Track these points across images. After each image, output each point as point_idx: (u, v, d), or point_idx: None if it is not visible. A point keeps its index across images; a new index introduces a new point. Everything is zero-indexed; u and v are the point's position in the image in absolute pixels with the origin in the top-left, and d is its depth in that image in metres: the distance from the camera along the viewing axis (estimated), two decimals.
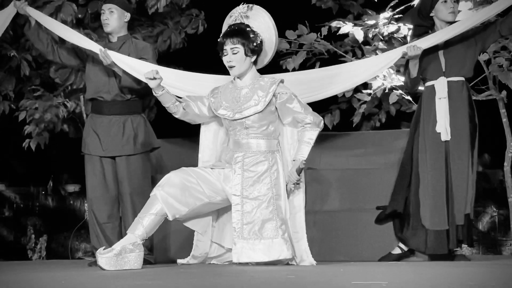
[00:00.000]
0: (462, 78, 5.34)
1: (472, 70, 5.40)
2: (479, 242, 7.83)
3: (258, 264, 4.75)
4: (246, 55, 4.92)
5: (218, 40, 5.00)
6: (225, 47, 4.93)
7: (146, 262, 5.35)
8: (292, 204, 4.97)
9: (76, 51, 5.63)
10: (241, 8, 5.07)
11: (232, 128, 4.97)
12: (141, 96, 5.63)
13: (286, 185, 4.92)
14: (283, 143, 5.03)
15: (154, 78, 4.86)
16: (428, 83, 5.40)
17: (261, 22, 5.02)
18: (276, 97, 4.92)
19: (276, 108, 4.95)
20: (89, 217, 5.55)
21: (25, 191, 9.78)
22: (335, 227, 5.75)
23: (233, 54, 4.91)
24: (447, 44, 5.35)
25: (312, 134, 4.92)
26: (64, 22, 6.99)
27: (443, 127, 5.26)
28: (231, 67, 4.93)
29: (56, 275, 4.15)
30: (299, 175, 4.89)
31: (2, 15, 5.63)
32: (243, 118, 4.92)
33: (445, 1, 5.32)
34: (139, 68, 5.35)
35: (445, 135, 5.27)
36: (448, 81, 5.31)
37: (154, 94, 4.98)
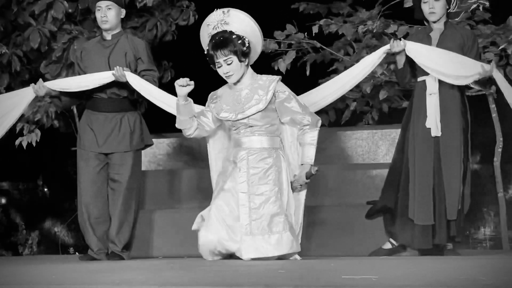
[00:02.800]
0: None
1: None
2: (470, 237, 7.86)
3: (268, 259, 4.77)
4: (240, 61, 4.91)
5: (206, 53, 4.97)
6: (217, 60, 4.91)
7: (119, 257, 5.37)
8: (296, 198, 4.99)
9: (81, 67, 5.60)
10: (218, 15, 5.00)
11: (235, 127, 4.97)
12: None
13: (292, 184, 4.94)
14: (284, 140, 5.05)
15: (187, 85, 4.88)
16: (420, 79, 5.41)
17: (241, 23, 4.99)
18: (275, 96, 4.94)
19: (276, 99, 4.95)
20: (79, 212, 5.48)
21: (16, 186, 9.77)
22: (325, 222, 5.76)
23: (228, 64, 4.90)
24: (439, 42, 5.37)
25: (313, 135, 4.94)
26: (55, 19, 7.00)
27: (433, 122, 5.27)
28: (228, 76, 4.94)
29: (47, 270, 4.16)
30: (308, 179, 4.91)
31: (17, 97, 5.59)
32: (246, 117, 4.92)
33: (425, 2, 5.37)
34: (151, 90, 5.40)
35: (435, 131, 5.27)
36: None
37: (178, 102, 4.94)
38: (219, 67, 4.93)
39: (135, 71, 5.45)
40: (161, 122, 6.17)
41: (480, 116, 6.77)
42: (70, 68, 6.89)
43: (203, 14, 5.12)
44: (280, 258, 4.83)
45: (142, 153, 5.91)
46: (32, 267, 4.50)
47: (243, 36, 4.94)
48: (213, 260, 4.85)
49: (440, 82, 5.31)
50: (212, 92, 5.11)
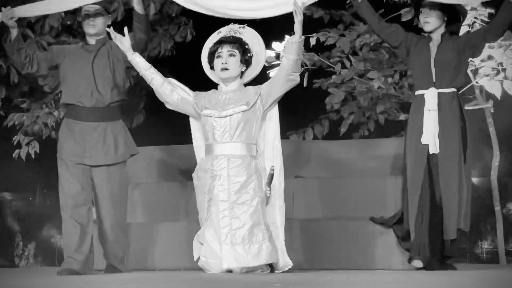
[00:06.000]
0: (453, 90, 5.22)
1: (463, 81, 5.33)
2: (466, 251, 7.85)
3: (248, 268, 4.79)
4: (240, 61, 5.03)
5: (209, 48, 5.10)
6: (220, 50, 5.02)
7: (116, 270, 5.26)
8: (270, 204, 5.00)
9: (49, 59, 5.38)
10: (233, 26, 5.16)
11: (214, 131, 4.98)
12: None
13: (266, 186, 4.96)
14: (263, 151, 5.08)
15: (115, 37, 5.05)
16: (418, 92, 5.28)
17: (252, 39, 5.13)
18: (261, 95, 5.00)
19: (263, 100, 5.00)
20: (67, 225, 5.20)
21: (13, 197, 9.75)
22: (322, 235, 5.75)
23: (229, 56, 5.01)
24: (437, 53, 5.24)
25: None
26: (51, 28, 7.01)
27: (431, 139, 5.14)
28: (224, 69, 5.00)
29: (43, 282, 4.15)
30: (269, 185, 4.95)
31: None
32: (230, 115, 4.95)
33: (421, 12, 5.31)
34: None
35: (434, 148, 5.13)
36: (438, 93, 5.19)
37: (128, 59, 5.11)
38: (218, 57, 5.03)
39: (120, 73, 5.34)
40: (156, 133, 6.16)
41: (477, 130, 6.77)
42: None
43: (200, 32, 5.18)
44: (272, 268, 4.90)
45: (141, 165, 5.86)
46: (28, 279, 4.49)
47: (249, 47, 5.09)
48: (210, 273, 4.85)
49: (439, 97, 5.18)
50: (196, 91, 5.15)
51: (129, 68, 5.46)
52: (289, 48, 4.92)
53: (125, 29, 5.09)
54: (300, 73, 5.05)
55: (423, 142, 5.16)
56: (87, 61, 5.31)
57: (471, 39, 5.30)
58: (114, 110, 5.36)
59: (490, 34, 5.25)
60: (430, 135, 5.15)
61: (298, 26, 4.88)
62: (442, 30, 5.31)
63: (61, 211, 5.24)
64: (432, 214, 5.13)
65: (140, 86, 7.70)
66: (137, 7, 5.32)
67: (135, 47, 5.20)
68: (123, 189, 5.37)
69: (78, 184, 5.22)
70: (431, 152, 5.15)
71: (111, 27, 5.16)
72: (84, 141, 5.25)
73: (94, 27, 5.36)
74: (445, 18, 5.30)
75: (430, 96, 5.20)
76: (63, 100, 5.39)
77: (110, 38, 5.33)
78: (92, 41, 5.40)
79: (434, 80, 5.23)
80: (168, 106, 5.16)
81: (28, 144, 7.11)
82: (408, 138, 5.27)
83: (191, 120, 5.19)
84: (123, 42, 5.07)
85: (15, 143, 7.15)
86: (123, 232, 5.38)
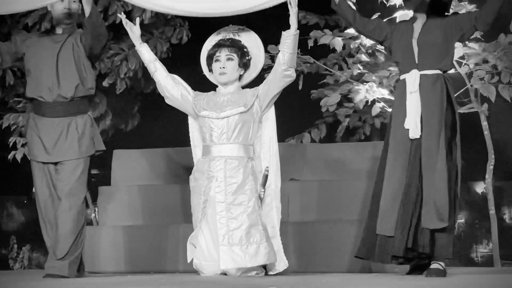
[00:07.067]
0: (438, 71, 4.90)
1: (449, 63, 4.99)
2: (460, 254, 7.86)
3: (244, 270, 4.79)
4: (238, 65, 5.05)
5: (208, 51, 5.11)
6: (219, 54, 5.04)
7: (59, 276, 4.87)
8: (266, 204, 5.00)
9: (14, 51, 5.08)
10: (232, 28, 5.19)
11: (212, 132, 4.99)
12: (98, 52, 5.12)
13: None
14: (259, 153, 5.08)
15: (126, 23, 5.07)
16: (402, 76, 4.98)
17: (250, 41, 5.15)
18: (258, 97, 5.02)
19: (260, 101, 5.01)
20: (43, 228, 5.04)
21: (8, 199, 9.75)
22: (317, 238, 5.76)
23: (227, 60, 5.03)
24: (421, 32, 4.96)
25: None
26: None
27: (412, 123, 4.81)
28: (222, 73, 5.02)
29: (38, 285, 4.14)
30: (264, 186, 4.96)
31: None
32: (227, 117, 4.96)
33: None
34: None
35: (414, 132, 4.81)
36: (421, 75, 4.87)
37: (135, 48, 5.17)
38: (217, 61, 5.04)
39: (85, 64, 5.04)
40: (150, 136, 6.13)
41: (472, 133, 6.79)
42: None
43: (196, 33, 5.18)
44: (267, 269, 4.90)
45: (136, 168, 5.81)
46: (23, 282, 4.48)
47: (248, 50, 5.11)
48: (205, 276, 4.85)
49: (421, 79, 4.86)
50: (197, 92, 5.15)
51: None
52: (285, 42, 4.94)
53: (137, 19, 5.13)
54: (295, 68, 5.04)
55: (405, 127, 4.84)
56: (53, 52, 5.02)
57: (460, 21, 4.98)
58: (79, 104, 5.03)
59: (480, 22, 4.93)
60: (411, 118, 4.83)
61: (293, 18, 4.90)
62: (425, 9, 4.98)
63: (39, 215, 5.07)
64: (405, 204, 4.79)
65: (134, 91, 7.71)
66: (85, 7, 4.93)
67: (91, 55, 5.04)
68: (82, 184, 5.00)
69: (46, 188, 5.02)
70: (411, 136, 4.82)
71: (122, 13, 5.19)
72: (48, 137, 4.98)
73: (69, 16, 5.07)
74: None
75: (412, 78, 4.88)
76: (26, 93, 5.11)
77: (79, 27, 5.12)
78: (59, 30, 5.11)
79: (416, 62, 4.91)
80: (167, 101, 5.17)
81: (23, 145, 7.10)
82: (392, 126, 4.95)
83: (190, 119, 5.20)
84: (134, 30, 5.11)
85: (10, 144, 7.14)
86: (80, 230, 4.98)
